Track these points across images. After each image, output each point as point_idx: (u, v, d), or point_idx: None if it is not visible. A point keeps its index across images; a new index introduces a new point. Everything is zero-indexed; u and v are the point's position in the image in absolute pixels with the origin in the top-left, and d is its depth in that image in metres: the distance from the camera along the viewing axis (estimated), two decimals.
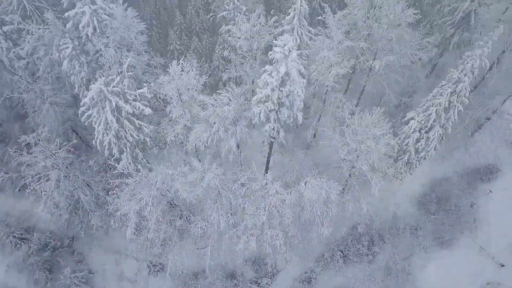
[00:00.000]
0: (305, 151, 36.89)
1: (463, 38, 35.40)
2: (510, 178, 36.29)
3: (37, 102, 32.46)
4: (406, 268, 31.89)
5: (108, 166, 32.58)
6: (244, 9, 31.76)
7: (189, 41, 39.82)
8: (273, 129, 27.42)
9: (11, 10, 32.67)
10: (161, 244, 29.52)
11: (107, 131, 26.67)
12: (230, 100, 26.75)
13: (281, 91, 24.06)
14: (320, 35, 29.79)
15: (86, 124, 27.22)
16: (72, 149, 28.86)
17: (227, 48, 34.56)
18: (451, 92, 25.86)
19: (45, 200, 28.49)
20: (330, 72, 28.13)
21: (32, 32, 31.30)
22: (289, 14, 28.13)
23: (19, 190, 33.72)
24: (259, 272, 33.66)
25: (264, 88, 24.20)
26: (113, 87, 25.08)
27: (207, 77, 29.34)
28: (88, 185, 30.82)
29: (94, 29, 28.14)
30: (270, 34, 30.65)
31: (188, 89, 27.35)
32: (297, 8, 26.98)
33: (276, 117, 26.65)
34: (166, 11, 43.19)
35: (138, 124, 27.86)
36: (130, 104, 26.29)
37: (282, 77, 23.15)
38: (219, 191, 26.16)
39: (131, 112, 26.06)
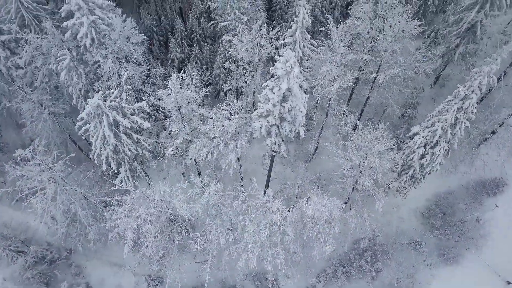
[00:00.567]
0: (306, 164, 36.14)
1: (469, 49, 34.60)
2: None
3: (35, 112, 31.90)
4: (410, 285, 31.01)
5: (105, 182, 31.98)
6: (245, 19, 30.90)
7: (190, 49, 39.24)
8: (275, 143, 26.75)
9: (9, 19, 32.13)
10: (160, 260, 28.89)
11: (105, 146, 26.14)
12: (230, 114, 26.17)
13: (283, 106, 23.42)
14: (323, 45, 29.17)
15: (83, 138, 26.69)
16: (69, 163, 28.28)
17: (228, 59, 33.91)
18: (458, 109, 25.12)
19: (42, 213, 27.88)
20: (333, 85, 27.53)
21: (30, 41, 30.72)
22: (291, 26, 27.51)
23: (16, 200, 33.09)
24: None
25: (266, 103, 23.54)
26: (111, 101, 24.54)
27: (207, 90, 28.74)
28: (85, 198, 30.23)
29: (92, 40, 27.54)
30: (271, 46, 30.04)
31: (188, 103, 26.77)
32: (300, 21, 26.33)
33: (277, 131, 25.99)
34: (167, 18, 42.67)
35: (137, 138, 27.30)
36: (128, 118, 25.73)
37: (284, 93, 22.52)
38: (218, 206, 25.54)
39: (129, 126, 25.49)
